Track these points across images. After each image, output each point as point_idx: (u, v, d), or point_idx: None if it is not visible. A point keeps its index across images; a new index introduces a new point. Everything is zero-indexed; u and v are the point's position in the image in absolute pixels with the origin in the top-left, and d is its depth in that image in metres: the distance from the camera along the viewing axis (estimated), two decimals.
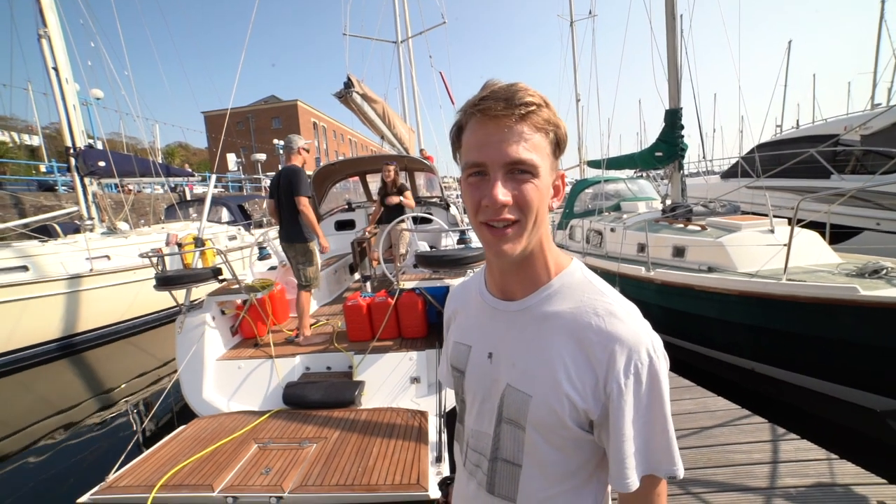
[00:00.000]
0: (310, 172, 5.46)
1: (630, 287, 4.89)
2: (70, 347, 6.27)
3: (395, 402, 2.96)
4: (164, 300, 6.84)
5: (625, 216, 6.36)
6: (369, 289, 4.06)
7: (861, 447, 2.92)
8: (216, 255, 4.36)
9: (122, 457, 2.45)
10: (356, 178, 7.24)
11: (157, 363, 5.81)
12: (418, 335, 3.44)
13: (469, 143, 0.62)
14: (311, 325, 3.85)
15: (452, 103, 14.49)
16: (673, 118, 5.77)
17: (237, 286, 3.56)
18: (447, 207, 6.35)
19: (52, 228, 7.35)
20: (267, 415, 2.85)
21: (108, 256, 6.91)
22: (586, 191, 8.08)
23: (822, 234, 4.33)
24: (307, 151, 3.77)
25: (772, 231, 4.35)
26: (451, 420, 2.62)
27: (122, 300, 6.84)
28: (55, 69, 7.37)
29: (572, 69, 14.92)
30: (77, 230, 7.63)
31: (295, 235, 3.67)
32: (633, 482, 0.62)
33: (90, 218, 7.86)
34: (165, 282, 3.43)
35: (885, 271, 3.50)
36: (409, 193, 5.15)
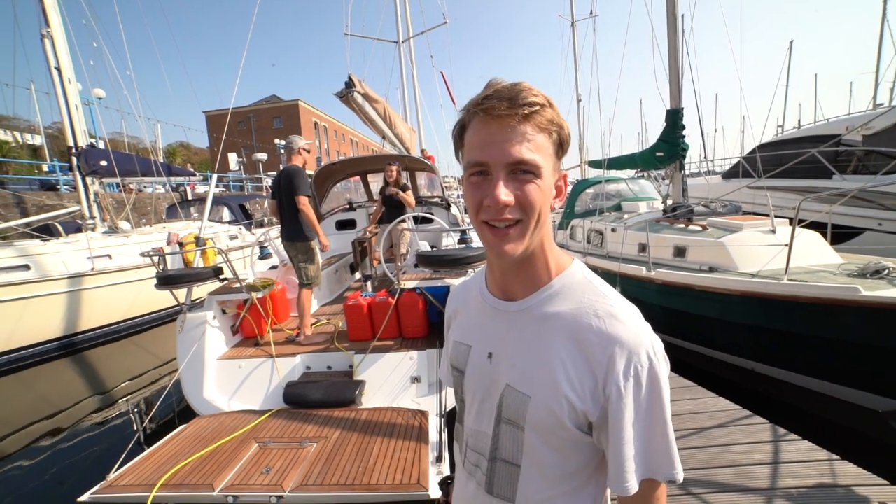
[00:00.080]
0: (311, 172, 5.46)
1: (631, 287, 4.88)
2: (71, 346, 6.27)
3: (395, 402, 2.96)
4: (165, 299, 6.91)
5: (626, 216, 6.36)
6: (370, 288, 4.06)
7: (862, 448, 2.91)
8: (217, 255, 4.36)
9: (123, 456, 2.45)
10: (357, 178, 7.24)
11: (157, 362, 5.82)
12: (419, 335, 3.44)
13: (472, 143, 0.62)
14: (312, 325, 3.85)
15: (453, 103, 14.54)
16: (674, 118, 5.76)
17: (238, 285, 3.57)
18: (448, 207, 6.34)
19: (54, 227, 7.34)
20: (267, 414, 2.85)
21: (109, 256, 6.92)
22: (587, 191, 8.08)
23: (824, 235, 4.32)
24: (308, 151, 3.79)
25: (773, 231, 4.34)
26: (451, 420, 2.60)
27: (123, 299, 6.85)
28: (58, 69, 7.38)
29: (573, 69, 14.92)
30: (79, 229, 7.63)
31: (296, 234, 3.69)
32: (632, 485, 0.61)
33: (92, 217, 7.88)
34: (166, 281, 3.43)
35: (886, 272, 3.49)
36: (410, 192, 5.16)
